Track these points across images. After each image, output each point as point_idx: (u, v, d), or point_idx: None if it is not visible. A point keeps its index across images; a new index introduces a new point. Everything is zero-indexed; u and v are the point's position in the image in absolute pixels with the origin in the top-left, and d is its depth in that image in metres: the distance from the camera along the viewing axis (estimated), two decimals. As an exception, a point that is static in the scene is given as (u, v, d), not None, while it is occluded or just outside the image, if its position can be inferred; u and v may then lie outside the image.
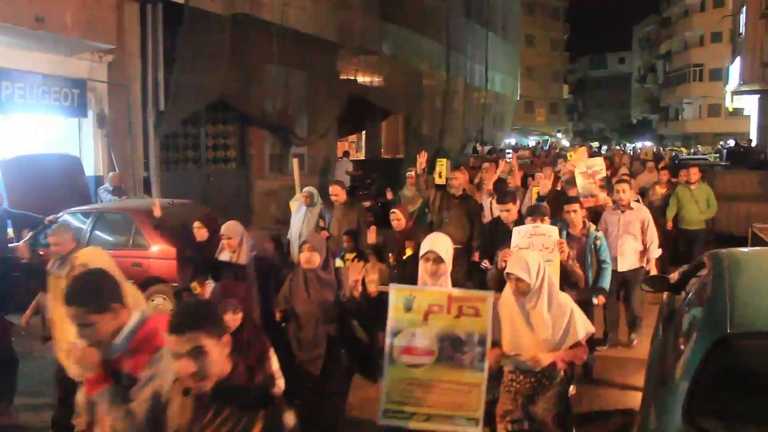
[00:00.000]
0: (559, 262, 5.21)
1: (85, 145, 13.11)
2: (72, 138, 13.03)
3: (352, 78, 21.48)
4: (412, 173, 10.94)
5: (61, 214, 9.34)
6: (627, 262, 7.52)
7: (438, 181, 11.34)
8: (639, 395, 5.27)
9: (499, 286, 4.40)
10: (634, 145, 53.74)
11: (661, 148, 43.50)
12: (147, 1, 13.21)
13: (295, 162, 10.77)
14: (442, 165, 11.87)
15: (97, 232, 9.00)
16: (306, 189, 9.25)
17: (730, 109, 34.30)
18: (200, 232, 6.84)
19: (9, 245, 9.44)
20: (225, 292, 5.00)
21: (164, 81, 13.61)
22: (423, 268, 4.20)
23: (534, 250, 4.96)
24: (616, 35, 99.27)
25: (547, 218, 5.82)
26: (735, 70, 30.35)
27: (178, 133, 15.21)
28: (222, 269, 5.61)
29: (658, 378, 4.06)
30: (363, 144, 27.31)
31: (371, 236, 7.20)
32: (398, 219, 7.08)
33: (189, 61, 13.50)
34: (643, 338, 7.59)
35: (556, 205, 7.32)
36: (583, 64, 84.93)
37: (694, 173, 10.83)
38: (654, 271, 7.57)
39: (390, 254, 6.86)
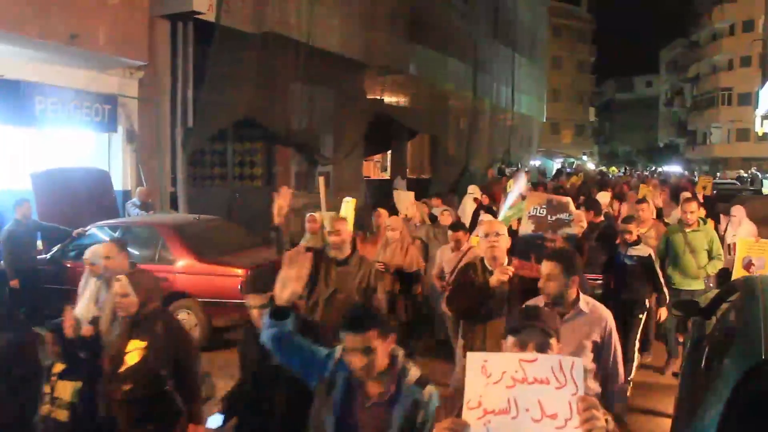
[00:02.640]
0: None
1: (115, 160, 13.29)
2: (102, 153, 13.21)
3: (378, 97, 21.55)
4: (316, 214, 8.31)
5: (89, 227, 9.45)
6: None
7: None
8: (668, 422, 5.17)
9: None
10: (659, 168, 53.27)
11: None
12: (178, 19, 13.39)
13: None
14: (349, 204, 9.10)
15: (124, 246, 9.07)
16: (89, 253, 5.67)
17: (760, 134, 33.77)
18: None
19: (38, 257, 9.58)
20: None
21: (193, 98, 13.75)
22: None
23: (522, 423, 2.09)
24: (643, 58, 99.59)
25: (554, 341, 2.54)
26: (765, 94, 30.00)
27: (206, 150, 15.37)
28: None
29: (689, 405, 3.98)
30: (388, 164, 27.34)
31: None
32: (124, 294, 4.00)
33: (218, 78, 13.62)
34: (670, 362, 7.46)
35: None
36: (609, 87, 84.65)
37: (691, 210, 7.55)
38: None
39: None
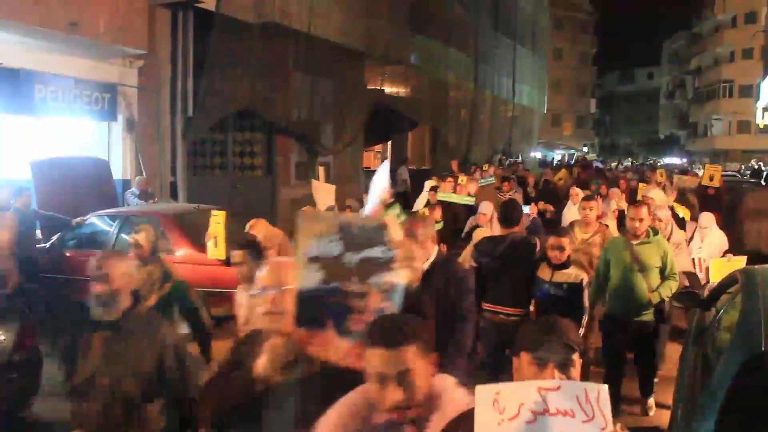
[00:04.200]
0: None
1: (114, 149, 13.27)
2: (101, 142, 13.19)
3: (379, 88, 21.47)
4: (140, 236, 5.69)
5: (88, 216, 9.44)
6: None
7: (213, 253, 7.01)
8: (667, 413, 5.17)
9: None
10: (654, 160, 53.14)
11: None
12: (178, 8, 13.33)
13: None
14: (218, 219, 7.13)
15: (123, 236, 9.04)
16: None
17: (761, 126, 33.82)
18: None
19: (38, 246, 9.58)
20: None
21: (193, 87, 13.68)
22: None
23: None
24: (645, 50, 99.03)
25: (577, 356, 2.13)
26: (767, 86, 29.98)
27: (206, 140, 15.33)
28: None
29: (688, 396, 3.98)
30: (389, 154, 27.28)
31: None
32: None
33: (218, 67, 13.58)
34: (672, 354, 7.44)
35: None
36: (611, 79, 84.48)
37: (640, 216, 5.77)
38: None
39: None
